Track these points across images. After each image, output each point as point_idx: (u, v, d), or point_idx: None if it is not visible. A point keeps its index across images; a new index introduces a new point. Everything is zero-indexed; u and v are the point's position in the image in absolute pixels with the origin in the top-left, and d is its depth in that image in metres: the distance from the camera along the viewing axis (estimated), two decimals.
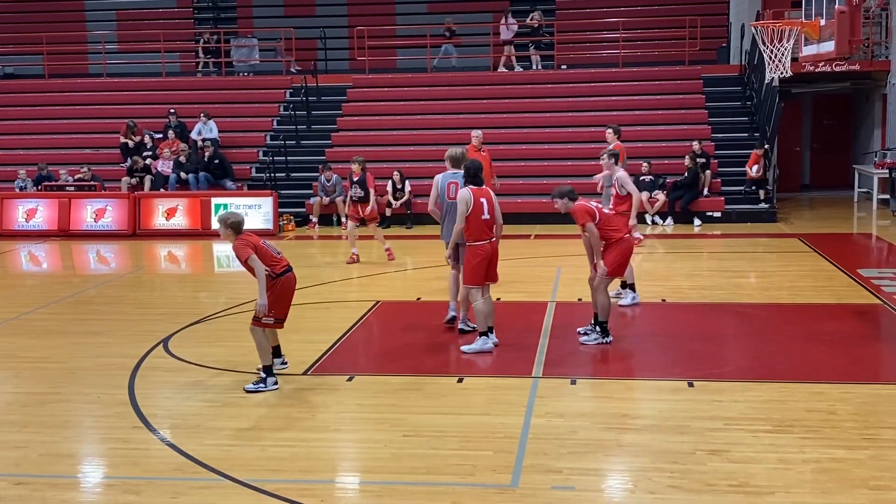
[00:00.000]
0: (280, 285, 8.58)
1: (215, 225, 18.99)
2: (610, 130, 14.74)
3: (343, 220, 18.80)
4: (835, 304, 11.84)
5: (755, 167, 19.60)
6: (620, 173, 11.80)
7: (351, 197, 15.68)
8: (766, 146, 19.64)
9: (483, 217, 9.61)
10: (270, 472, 6.72)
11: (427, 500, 6.18)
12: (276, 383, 8.58)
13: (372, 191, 15.51)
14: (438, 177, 10.93)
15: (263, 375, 8.57)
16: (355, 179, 15.54)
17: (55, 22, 28.01)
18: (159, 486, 6.55)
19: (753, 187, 19.76)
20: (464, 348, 9.79)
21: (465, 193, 9.64)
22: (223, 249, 17.87)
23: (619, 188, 11.69)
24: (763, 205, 19.45)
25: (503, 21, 24.80)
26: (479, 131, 17.26)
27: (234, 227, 8.50)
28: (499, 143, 19.29)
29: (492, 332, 9.79)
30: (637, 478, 6.64)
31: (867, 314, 11.41)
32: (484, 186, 9.93)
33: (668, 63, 23.99)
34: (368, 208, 15.51)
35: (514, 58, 24.79)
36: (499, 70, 24.52)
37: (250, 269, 8.42)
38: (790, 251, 15.89)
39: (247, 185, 21.12)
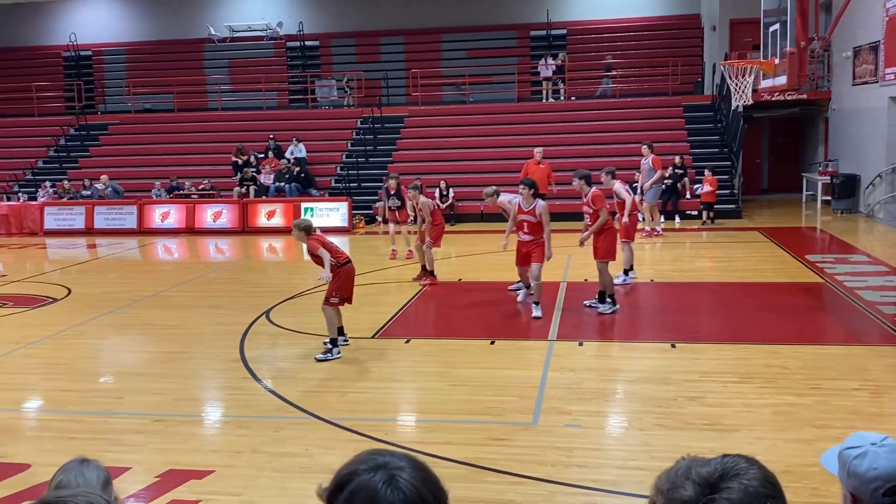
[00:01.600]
0: (343, 272, 8.54)
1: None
2: (645, 146, 15.79)
3: (384, 221, 18.69)
4: (788, 282, 11.70)
5: (705, 187, 18.37)
6: (616, 185, 11.70)
7: (390, 206, 15.36)
8: (712, 174, 18.53)
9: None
10: (347, 412, 6.79)
11: (467, 433, 6.22)
12: (339, 353, 8.44)
13: (406, 199, 15.08)
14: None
15: (330, 346, 8.44)
16: (392, 192, 15.29)
17: (181, 68, 28.28)
18: (264, 423, 6.65)
19: (702, 210, 18.51)
20: (535, 314, 9.78)
21: (544, 203, 9.99)
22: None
23: (616, 197, 11.64)
24: (731, 205, 19.21)
25: (543, 62, 24.64)
26: (541, 148, 17.39)
27: (305, 229, 8.53)
28: (520, 160, 19.19)
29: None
30: (630, 418, 6.64)
31: (813, 290, 11.27)
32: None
33: (655, 94, 23.79)
34: (405, 214, 15.17)
35: (551, 90, 24.69)
36: (543, 101, 24.50)
37: (318, 260, 8.47)
38: (752, 241, 15.71)
39: (327, 192, 21.25)
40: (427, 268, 12.34)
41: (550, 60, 24.55)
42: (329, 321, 8.51)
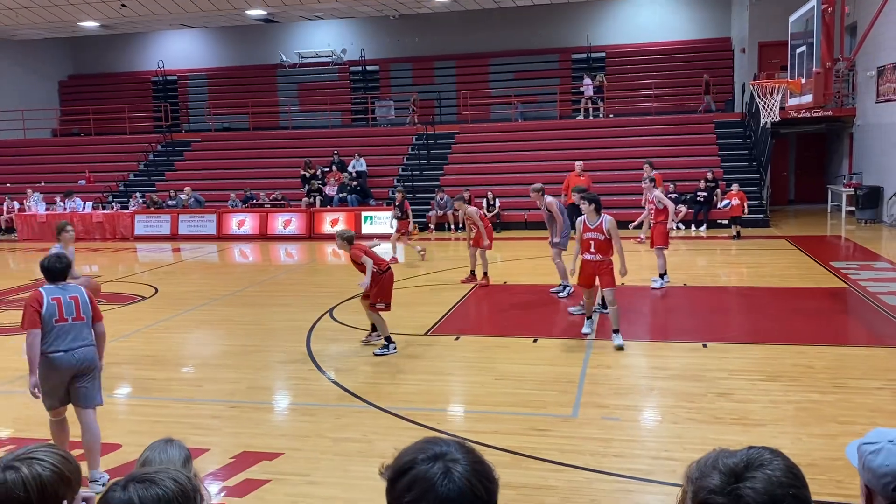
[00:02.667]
0: (386, 279, 8.46)
1: (365, 230, 19.43)
2: (647, 165, 14.98)
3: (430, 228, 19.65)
4: (813, 287, 11.40)
5: (733, 201, 17.02)
6: (657, 192, 11.62)
7: (396, 216, 15.45)
8: (739, 188, 17.48)
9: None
10: (403, 402, 6.82)
11: (511, 424, 6.19)
12: (395, 348, 8.35)
13: (409, 211, 15.69)
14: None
15: (386, 343, 8.35)
16: (397, 204, 15.39)
17: (256, 91, 28.77)
18: (327, 410, 6.71)
19: (729, 222, 17.14)
20: (616, 343, 8.30)
21: (612, 217, 8.56)
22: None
23: (657, 204, 11.53)
24: (759, 215, 18.81)
25: (586, 81, 24.49)
26: (581, 161, 17.31)
27: (348, 239, 8.49)
28: (562, 172, 19.06)
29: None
30: (664, 412, 6.54)
31: (838, 295, 10.96)
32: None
33: (689, 112, 23.44)
34: (409, 224, 15.76)
35: (591, 108, 24.52)
36: (577, 118, 24.29)
37: (360, 267, 8.41)
38: (779, 249, 15.35)
39: (385, 202, 21.38)
40: (484, 269, 12.30)
41: (588, 81, 24.35)
42: (379, 323, 8.45)
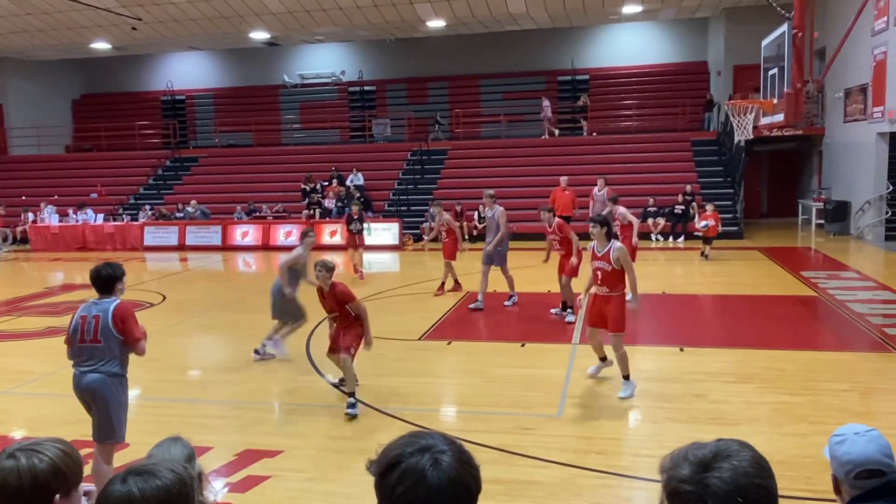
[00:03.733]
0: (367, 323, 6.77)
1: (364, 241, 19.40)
2: (601, 179, 14.64)
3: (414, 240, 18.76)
4: (785, 295, 11.46)
5: (706, 223, 15.28)
6: (621, 209, 11.52)
7: (350, 230, 13.88)
8: (713, 204, 15.93)
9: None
10: (397, 402, 6.82)
11: (500, 423, 6.20)
12: (356, 411, 6.42)
13: (367, 224, 14.25)
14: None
15: (352, 401, 6.47)
16: (355, 217, 14.00)
17: (260, 110, 28.82)
18: (326, 411, 6.71)
19: (706, 243, 15.42)
20: (620, 394, 6.76)
21: (622, 245, 6.98)
22: (368, 258, 18.14)
23: (622, 220, 11.33)
24: (733, 227, 18.92)
25: (544, 103, 24.65)
26: (566, 177, 17.20)
27: (332, 270, 6.67)
28: (548, 187, 19.12)
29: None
30: (644, 412, 6.55)
31: (808, 302, 11.02)
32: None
33: (667, 130, 23.57)
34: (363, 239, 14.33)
35: (553, 129, 24.62)
36: (542, 137, 24.44)
37: (345, 312, 6.62)
38: (753, 259, 15.43)
39: (381, 214, 21.40)
40: (454, 278, 12.24)
41: (546, 102, 24.46)
42: (350, 376, 6.58)
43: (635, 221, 11.43)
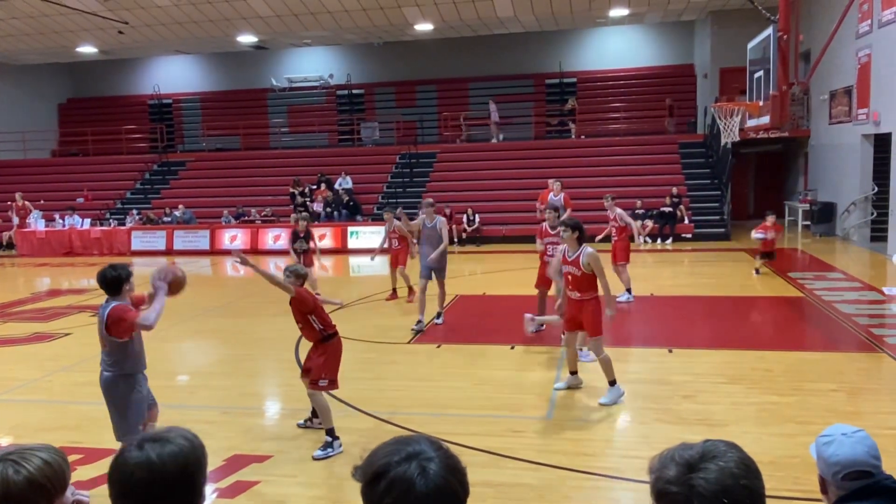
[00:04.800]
0: (332, 346, 5.93)
1: (351, 244, 19.38)
2: (557, 184, 13.25)
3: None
4: (772, 296, 11.53)
5: (763, 234, 13.10)
6: (619, 210, 11.59)
7: (296, 249, 11.81)
8: (772, 213, 13.71)
9: None
10: (387, 406, 6.80)
11: (490, 426, 6.19)
12: (340, 445, 5.71)
13: (314, 243, 12.02)
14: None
15: (329, 439, 5.71)
16: (301, 235, 11.82)
17: (247, 114, 28.73)
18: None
19: (763, 258, 13.30)
20: (602, 400, 6.63)
21: (594, 251, 6.77)
22: (357, 262, 18.11)
23: (619, 221, 11.41)
24: (721, 229, 19.05)
25: (492, 107, 24.71)
26: (554, 179, 17.00)
27: (296, 274, 6.02)
28: (537, 189, 19.17)
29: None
30: (633, 413, 6.56)
31: (795, 303, 11.09)
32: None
33: (655, 133, 23.69)
34: (313, 258, 12.00)
35: (500, 134, 24.64)
36: (492, 141, 24.46)
37: (301, 317, 5.91)
38: (740, 260, 15.52)
39: (370, 218, 21.37)
40: (408, 284, 11.83)
41: (493, 107, 24.57)
42: (322, 407, 5.83)
43: (633, 224, 11.46)
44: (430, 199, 10.39)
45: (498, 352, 8.70)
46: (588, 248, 6.76)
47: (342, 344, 6.07)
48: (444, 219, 10.16)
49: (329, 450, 5.67)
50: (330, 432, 5.74)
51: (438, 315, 10.31)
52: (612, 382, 6.71)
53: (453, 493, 1.42)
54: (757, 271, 13.46)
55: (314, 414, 6.14)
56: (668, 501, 1.49)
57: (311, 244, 11.89)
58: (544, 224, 9.38)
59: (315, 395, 5.85)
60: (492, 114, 24.55)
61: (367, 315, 10.84)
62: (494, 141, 24.38)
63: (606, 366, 6.71)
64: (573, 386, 7.11)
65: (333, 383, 5.93)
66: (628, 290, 11.44)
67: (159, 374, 8.25)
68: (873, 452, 2.08)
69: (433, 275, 10.03)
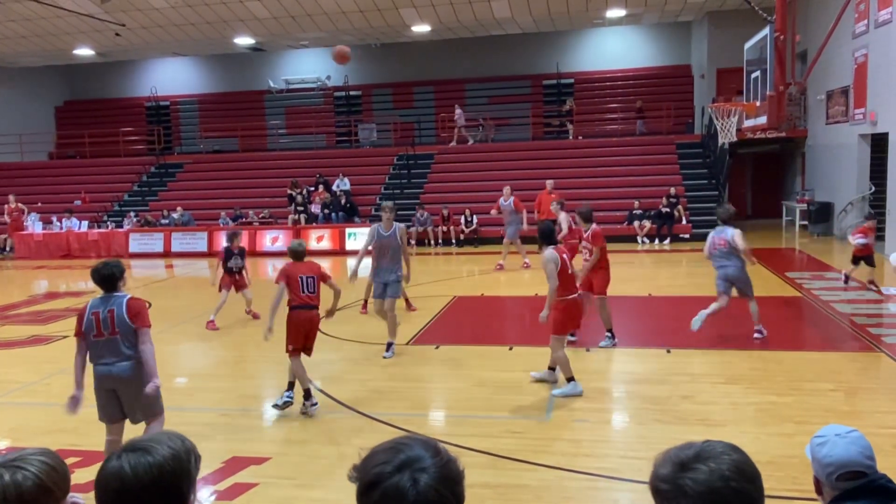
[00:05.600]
0: (291, 316, 6.75)
1: (349, 246, 19.36)
2: (507, 188, 13.93)
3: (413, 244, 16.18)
4: (770, 296, 11.52)
5: (862, 239, 11.53)
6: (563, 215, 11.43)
7: (230, 268, 10.94)
8: (873, 216, 12.51)
9: (568, 272, 7.08)
10: (386, 408, 6.79)
11: (489, 427, 6.19)
12: (316, 403, 6.67)
13: (246, 262, 11.22)
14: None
15: (304, 399, 6.62)
16: (235, 252, 10.94)
17: (245, 115, 28.72)
18: (314, 417, 6.66)
19: (860, 262, 11.60)
20: (554, 392, 6.96)
21: (551, 254, 6.96)
22: (355, 263, 18.10)
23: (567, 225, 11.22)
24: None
25: (455, 111, 24.80)
26: (552, 180, 17.03)
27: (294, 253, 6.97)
28: (534, 190, 19.19)
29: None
30: (631, 414, 6.57)
31: (792, 303, 11.11)
32: (560, 245, 7.36)
33: (652, 133, 23.71)
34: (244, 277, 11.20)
35: (466, 136, 24.70)
36: (450, 144, 24.47)
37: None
38: None
39: (368, 219, 21.37)
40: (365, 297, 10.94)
41: (459, 111, 24.71)
42: (294, 371, 6.70)
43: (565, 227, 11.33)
44: (391, 203, 9.02)
45: (497, 353, 8.70)
46: (548, 251, 6.97)
47: (305, 321, 6.78)
48: (402, 226, 8.84)
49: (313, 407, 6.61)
50: (306, 393, 6.62)
51: (389, 348, 8.66)
52: (570, 379, 6.94)
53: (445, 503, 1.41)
54: (846, 279, 11.99)
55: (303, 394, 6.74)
56: (661, 498, 1.51)
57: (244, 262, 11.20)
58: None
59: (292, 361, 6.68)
60: (458, 118, 24.65)
61: (365, 316, 10.83)
62: (453, 144, 24.50)
63: (561, 363, 6.97)
64: (547, 380, 7.31)
65: (295, 351, 6.71)
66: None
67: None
68: (867, 453, 2.08)
69: (387, 292, 8.66)
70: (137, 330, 4.86)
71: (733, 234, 8.56)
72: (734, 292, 8.70)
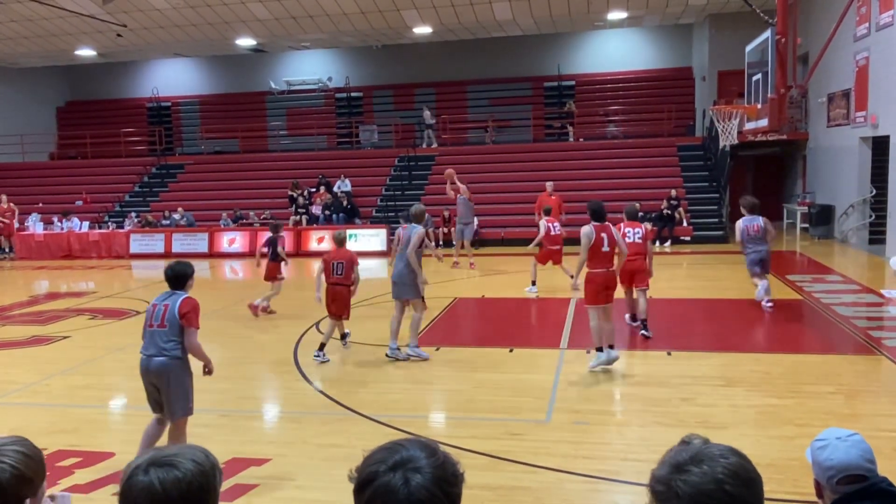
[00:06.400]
0: (326, 290, 8.85)
1: (350, 247, 19.33)
2: (463, 186, 14.26)
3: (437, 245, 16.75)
4: (770, 298, 11.51)
5: None
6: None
7: (278, 256, 11.43)
8: None
9: (603, 249, 7.69)
10: (385, 409, 6.79)
11: (489, 429, 6.19)
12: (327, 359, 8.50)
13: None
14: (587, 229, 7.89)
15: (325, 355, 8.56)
16: (280, 242, 11.44)
17: (246, 117, 28.75)
18: (313, 418, 6.67)
19: None
20: (591, 364, 7.73)
21: (586, 228, 7.73)
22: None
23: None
24: (719, 231, 19.08)
25: (424, 113, 24.97)
26: (552, 182, 17.09)
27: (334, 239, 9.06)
28: (535, 192, 19.18)
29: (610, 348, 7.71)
30: (631, 416, 6.57)
31: (793, 306, 11.10)
32: (606, 223, 7.86)
33: (653, 136, 23.70)
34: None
35: (433, 138, 24.76)
36: (422, 146, 24.58)
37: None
38: (738, 263, 15.46)
39: (369, 220, 21.38)
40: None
41: (427, 113, 24.87)
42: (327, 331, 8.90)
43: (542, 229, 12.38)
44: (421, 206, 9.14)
45: (497, 354, 8.69)
46: (585, 227, 7.81)
47: (331, 292, 8.80)
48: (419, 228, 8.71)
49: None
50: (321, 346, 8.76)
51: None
52: (598, 349, 7.71)
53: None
54: None
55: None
56: (656, 499, 1.51)
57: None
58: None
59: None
60: (426, 119, 24.71)
61: (365, 318, 10.83)
62: (424, 146, 24.61)
63: (592, 332, 7.84)
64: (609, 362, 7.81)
65: (330, 314, 8.91)
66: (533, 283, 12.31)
67: None
68: (868, 456, 2.08)
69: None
70: (184, 328, 5.16)
71: (765, 221, 10.21)
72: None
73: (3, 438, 1.79)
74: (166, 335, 5.17)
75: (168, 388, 5.20)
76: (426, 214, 9.99)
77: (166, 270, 5.35)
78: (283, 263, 11.64)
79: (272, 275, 11.53)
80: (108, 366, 8.80)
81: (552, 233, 12.49)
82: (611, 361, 7.69)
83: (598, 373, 7.87)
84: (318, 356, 8.51)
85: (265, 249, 11.67)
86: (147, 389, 5.33)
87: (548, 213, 12.91)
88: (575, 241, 8.48)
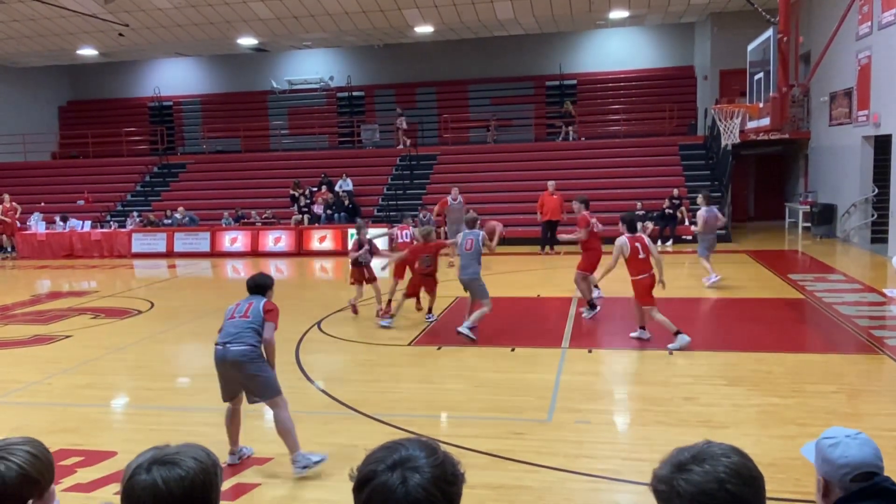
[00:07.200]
0: (416, 274, 10.19)
1: (352, 246, 19.35)
2: (455, 189, 14.25)
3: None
4: (772, 298, 11.53)
5: None
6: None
7: (360, 261, 11.08)
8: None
9: (639, 256, 8.70)
10: (387, 409, 6.79)
11: (491, 428, 6.19)
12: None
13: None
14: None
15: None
16: (365, 244, 11.14)
17: (248, 116, 28.75)
18: (316, 417, 6.67)
19: None
20: (669, 346, 8.45)
21: (621, 240, 8.77)
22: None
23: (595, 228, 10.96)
24: (721, 231, 19.05)
25: (397, 118, 25.13)
26: (553, 181, 17.12)
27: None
28: (537, 191, 19.17)
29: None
30: (633, 415, 6.57)
31: (795, 305, 11.09)
32: (638, 234, 8.90)
33: (655, 135, 23.70)
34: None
35: (406, 140, 24.80)
36: (397, 147, 24.62)
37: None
38: (740, 262, 15.52)
39: (371, 220, 21.37)
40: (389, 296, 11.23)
41: (402, 119, 25.00)
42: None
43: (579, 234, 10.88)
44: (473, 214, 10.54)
45: (498, 354, 8.69)
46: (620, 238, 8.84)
47: (419, 278, 10.32)
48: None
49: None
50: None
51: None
52: (677, 333, 8.46)
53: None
54: None
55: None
56: (658, 499, 1.52)
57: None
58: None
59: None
60: (399, 121, 24.86)
61: (367, 317, 10.83)
62: (399, 147, 24.65)
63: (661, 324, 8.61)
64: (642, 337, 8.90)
65: (407, 295, 10.51)
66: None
67: (159, 376, 8.28)
68: (878, 454, 2.09)
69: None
70: (265, 322, 5.52)
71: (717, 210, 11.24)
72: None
73: (14, 438, 1.79)
74: (248, 324, 5.48)
75: (248, 373, 5.43)
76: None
77: (248, 281, 5.78)
78: (371, 262, 11.11)
79: (370, 277, 11.08)
80: (110, 365, 8.81)
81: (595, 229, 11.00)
82: (687, 343, 8.43)
83: (600, 372, 7.87)
84: (387, 322, 10.02)
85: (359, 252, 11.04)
86: (223, 378, 5.55)
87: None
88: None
